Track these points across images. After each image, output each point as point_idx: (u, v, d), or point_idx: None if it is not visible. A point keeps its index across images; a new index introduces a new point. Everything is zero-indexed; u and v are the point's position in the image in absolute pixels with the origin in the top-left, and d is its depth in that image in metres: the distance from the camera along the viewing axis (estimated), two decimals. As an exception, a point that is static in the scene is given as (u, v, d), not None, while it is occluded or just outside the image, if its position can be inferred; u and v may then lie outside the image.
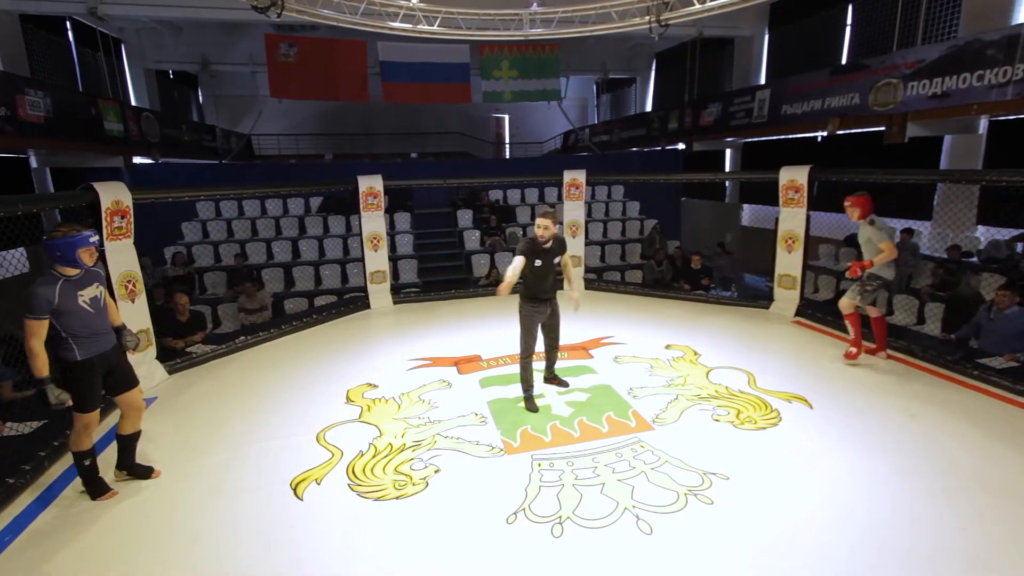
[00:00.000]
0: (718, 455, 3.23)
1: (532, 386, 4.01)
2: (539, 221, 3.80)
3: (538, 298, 3.91)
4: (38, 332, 2.63)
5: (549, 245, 3.86)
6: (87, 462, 2.92)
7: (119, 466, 3.11)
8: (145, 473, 3.13)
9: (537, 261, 3.83)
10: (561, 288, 4.23)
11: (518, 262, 3.73)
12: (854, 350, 4.53)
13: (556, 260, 3.93)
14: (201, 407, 4.12)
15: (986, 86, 6.59)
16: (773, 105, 10.25)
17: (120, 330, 3.07)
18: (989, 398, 3.93)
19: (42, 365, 2.63)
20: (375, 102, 14.02)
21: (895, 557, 2.41)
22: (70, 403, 2.72)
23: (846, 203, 4.37)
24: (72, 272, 2.73)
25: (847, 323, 4.57)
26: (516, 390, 4.20)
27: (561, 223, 7.46)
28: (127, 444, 3.09)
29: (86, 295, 2.77)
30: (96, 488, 2.96)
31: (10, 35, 9.09)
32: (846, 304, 4.49)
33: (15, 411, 3.85)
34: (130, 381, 3.01)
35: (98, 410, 2.90)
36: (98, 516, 2.84)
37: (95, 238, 2.79)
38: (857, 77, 8.37)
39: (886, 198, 9.11)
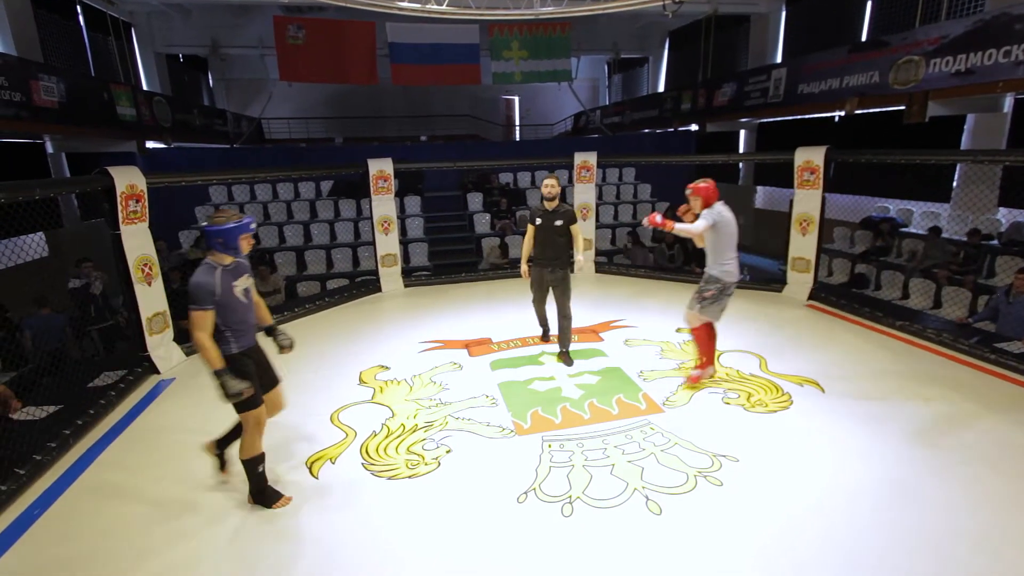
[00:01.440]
0: (728, 438, 3.24)
1: (544, 322, 4.75)
2: (545, 180, 4.31)
3: (539, 262, 4.37)
4: (204, 324, 2.53)
5: (554, 206, 4.31)
6: (260, 468, 2.75)
7: (218, 443, 3.00)
8: (223, 465, 3.00)
9: (537, 219, 4.33)
10: (570, 264, 4.42)
11: (527, 232, 4.43)
12: (697, 372, 3.94)
13: (559, 223, 4.29)
14: (218, 388, 4.21)
15: (1013, 62, 6.36)
16: (789, 84, 10.01)
17: (273, 329, 2.96)
18: (1006, 382, 3.89)
19: (215, 356, 2.55)
20: (384, 85, 13.93)
21: (905, 540, 2.41)
22: (248, 393, 2.60)
23: (687, 191, 3.80)
24: (228, 260, 2.66)
25: (693, 339, 3.96)
26: (526, 372, 4.24)
27: (572, 206, 7.42)
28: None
29: (239, 285, 2.69)
30: (269, 496, 2.77)
31: (22, 20, 9.12)
32: (691, 317, 3.89)
33: (30, 397, 3.96)
34: (275, 378, 2.94)
35: (264, 405, 2.75)
36: (120, 494, 2.94)
37: (255, 225, 2.74)
38: (877, 54, 8.14)
39: (903, 180, 8.97)
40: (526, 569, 2.34)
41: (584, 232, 7.39)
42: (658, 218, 3.56)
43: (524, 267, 4.58)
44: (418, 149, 14.49)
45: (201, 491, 2.93)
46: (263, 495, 2.78)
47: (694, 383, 3.90)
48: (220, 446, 3.00)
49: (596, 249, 7.64)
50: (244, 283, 2.73)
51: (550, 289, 4.41)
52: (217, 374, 2.54)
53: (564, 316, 4.43)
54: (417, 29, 12.54)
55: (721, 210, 3.69)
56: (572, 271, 4.43)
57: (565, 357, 4.44)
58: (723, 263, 3.75)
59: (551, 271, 4.32)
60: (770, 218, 11.71)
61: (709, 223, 3.63)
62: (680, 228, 3.67)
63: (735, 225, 3.75)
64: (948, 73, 7.10)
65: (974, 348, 4.31)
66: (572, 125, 19.91)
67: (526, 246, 4.48)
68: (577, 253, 4.43)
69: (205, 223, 2.62)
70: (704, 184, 3.73)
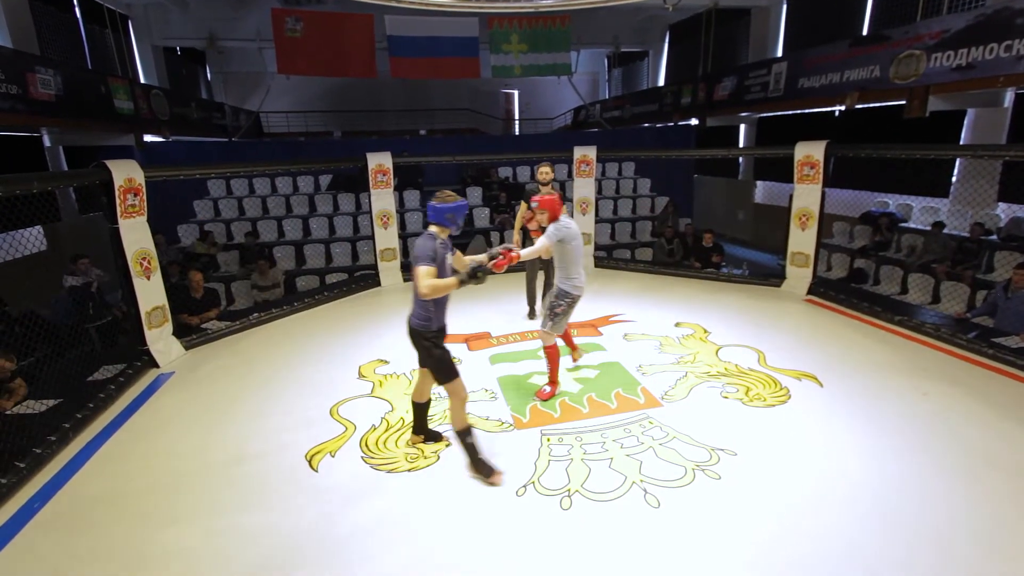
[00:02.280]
0: (726, 431, 3.26)
1: (532, 300, 5.36)
2: (540, 168, 5.03)
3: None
4: (431, 273, 2.71)
5: (548, 190, 4.84)
6: (471, 439, 2.93)
7: (416, 431, 3.25)
8: (437, 437, 3.27)
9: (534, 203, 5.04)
10: None
11: (520, 209, 5.05)
12: (549, 389, 3.80)
13: None
14: (217, 382, 4.22)
15: (1014, 57, 6.34)
16: (790, 78, 9.97)
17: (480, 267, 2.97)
18: (1004, 377, 3.90)
19: (449, 282, 2.73)
20: (383, 78, 13.84)
21: (902, 533, 2.43)
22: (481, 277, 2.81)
23: (533, 204, 3.70)
24: (446, 235, 2.88)
25: (547, 359, 3.83)
26: (526, 367, 4.25)
27: (571, 200, 7.46)
28: (423, 412, 3.23)
29: (447, 260, 2.90)
30: (485, 467, 2.89)
31: (18, 12, 9.04)
32: (545, 336, 3.78)
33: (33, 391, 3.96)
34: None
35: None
36: (118, 486, 2.95)
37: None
38: (878, 48, 8.10)
39: (903, 174, 8.96)
40: (525, 562, 2.35)
41: (583, 227, 7.44)
42: (504, 263, 3.17)
43: (516, 237, 5.13)
44: (417, 143, 14.44)
45: (198, 486, 2.94)
46: (480, 465, 2.90)
47: (545, 399, 3.73)
48: (425, 434, 3.26)
49: (595, 244, 7.63)
50: (449, 259, 2.95)
51: (541, 267, 5.10)
52: (464, 283, 2.75)
53: (550, 286, 4.97)
54: (416, 22, 12.45)
55: (568, 223, 3.65)
56: None
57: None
58: (572, 277, 3.72)
59: None
60: (770, 213, 11.70)
61: (556, 238, 3.59)
62: (526, 253, 3.51)
63: (581, 238, 3.74)
64: (949, 67, 7.08)
65: (972, 343, 4.32)
66: (572, 119, 19.84)
67: (519, 222, 5.15)
68: None
69: (434, 202, 2.86)
70: (550, 197, 3.68)
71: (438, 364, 2.88)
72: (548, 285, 5.10)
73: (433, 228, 2.86)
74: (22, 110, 7.31)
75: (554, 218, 3.66)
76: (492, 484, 2.85)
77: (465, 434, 2.92)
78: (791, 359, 4.23)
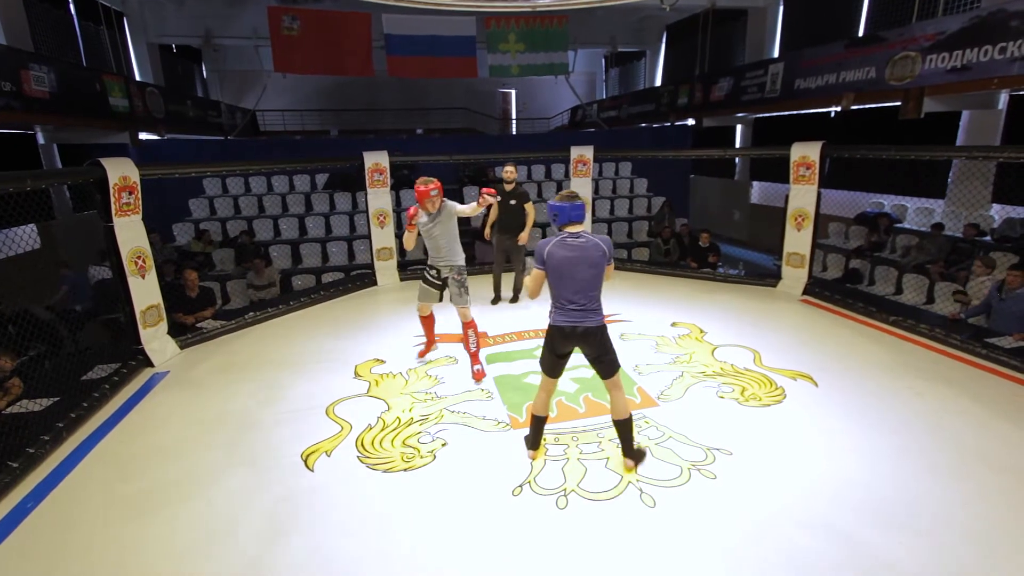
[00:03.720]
0: (722, 431, 3.26)
1: (497, 289, 5.90)
2: (506, 167, 5.70)
3: (500, 230, 5.73)
4: None
5: (511, 188, 5.60)
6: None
7: (628, 454, 3.00)
8: (641, 456, 3.00)
9: (499, 196, 5.43)
10: (520, 231, 5.70)
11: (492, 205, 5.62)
12: (478, 368, 4.17)
13: (513, 202, 5.60)
14: (212, 381, 4.20)
15: (1008, 59, 6.38)
16: (786, 79, 10.01)
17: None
18: (997, 378, 3.92)
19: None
20: (380, 77, 13.83)
21: (895, 530, 2.44)
22: None
23: (433, 192, 3.93)
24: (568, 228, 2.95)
25: (424, 326, 4.45)
26: (522, 366, 4.25)
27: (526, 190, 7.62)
28: (630, 429, 3.02)
29: None
30: (641, 452, 2.99)
31: (12, 8, 8.99)
32: (467, 312, 4.19)
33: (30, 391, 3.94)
34: None
35: None
36: (113, 487, 2.93)
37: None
38: (874, 50, 8.14)
39: (898, 175, 9.00)
40: (521, 561, 2.35)
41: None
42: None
43: (487, 231, 5.80)
44: (414, 142, 14.43)
45: (193, 485, 2.92)
46: (640, 451, 2.98)
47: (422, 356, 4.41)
48: (634, 457, 2.96)
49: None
50: None
51: (508, 256, 5.82)
52: None
53: (516, 290, 5.88)
54: (413, 21, 12.45)
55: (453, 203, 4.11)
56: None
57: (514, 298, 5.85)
58: (460, 251, 4.20)
59: (508, 238, 5.70)
60: (766, 213, 11.75)
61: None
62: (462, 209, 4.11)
63: None
64: (944, 69, 7.11)
65: (966, 343, 4.35)
66: (569, 119, 19.87)
67: (493, 215, 5.78)
68: (525, 231, 5.68)
69: (580, 203, 2.89)
70: (437, 182, 3.98)
71: (615, 356, 2.96)
72: (516, 285, 5.91)
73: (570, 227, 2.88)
74: (16, 107, 7.26)
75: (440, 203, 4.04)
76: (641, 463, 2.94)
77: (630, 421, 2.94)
78: (787, 359, 4.24)
